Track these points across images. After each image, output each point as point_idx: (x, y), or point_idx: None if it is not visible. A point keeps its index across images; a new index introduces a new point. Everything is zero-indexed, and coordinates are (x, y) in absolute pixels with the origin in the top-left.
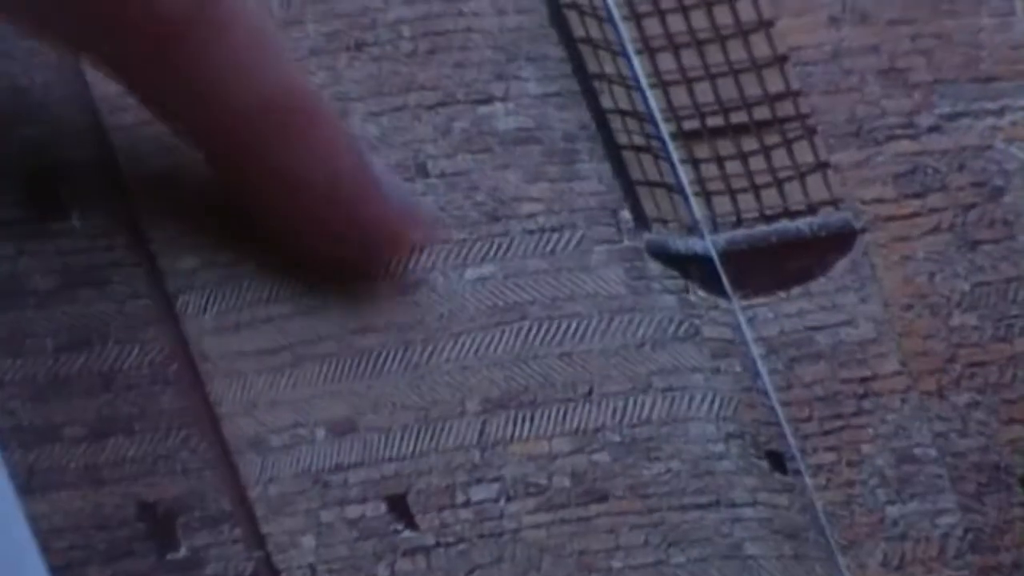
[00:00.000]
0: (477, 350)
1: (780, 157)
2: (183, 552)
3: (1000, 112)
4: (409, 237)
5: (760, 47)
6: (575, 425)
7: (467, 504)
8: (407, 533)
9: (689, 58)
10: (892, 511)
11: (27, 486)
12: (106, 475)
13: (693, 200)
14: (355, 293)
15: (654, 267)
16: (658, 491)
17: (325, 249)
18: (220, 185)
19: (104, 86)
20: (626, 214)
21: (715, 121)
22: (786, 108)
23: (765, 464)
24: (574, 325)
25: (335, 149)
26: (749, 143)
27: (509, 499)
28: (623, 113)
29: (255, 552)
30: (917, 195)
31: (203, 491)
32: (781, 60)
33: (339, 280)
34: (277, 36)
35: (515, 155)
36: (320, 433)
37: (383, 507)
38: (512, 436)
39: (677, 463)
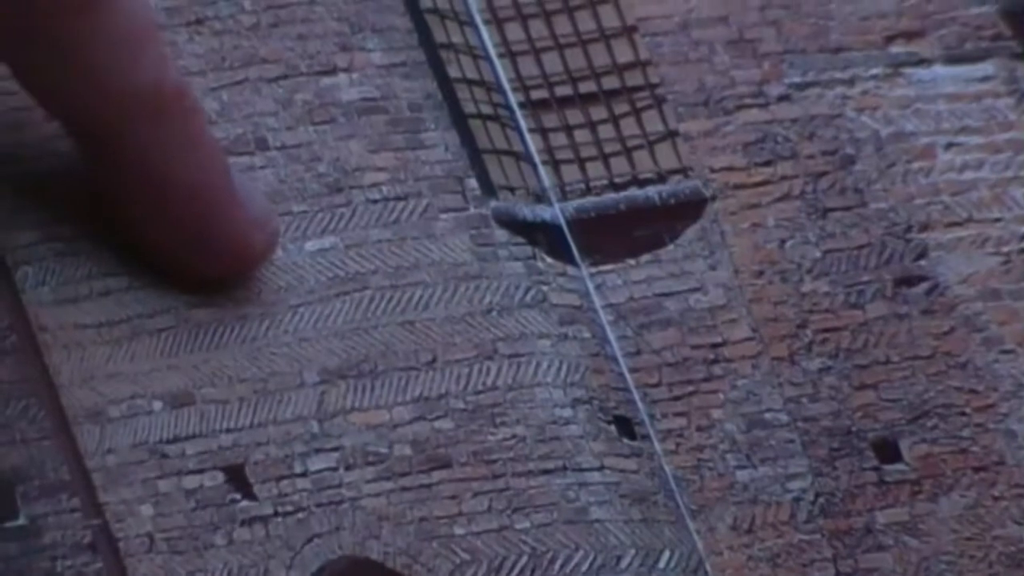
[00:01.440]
0: (316, 321)
1: (629, 126)
2: (21, 520)
3: (850, 82)
4: (258, 249)
5: (609, 18)
6: (417, 393)
7: (305, 474)
8: (245, 503)
9: (537, 28)
10: (742, 475)
11: None
12: None
13: (541, 168)
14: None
15: (501, 234)
16: (503, 457)
17: (177, 248)
18: (85, 170)
19: None
20: (472, 182)
21: (564, 91)
22: (635, 78)
23: (613, 429)
24: (418, 294)
25: (199, 148)
26: (598, 112)
27: (348, 468)
28: (470, 83)
29: (93, 521)
30: (767, 163)
31: (41, 460)
32: (630, 30)
33: (186, 277)
34: (156, 28)
35: (359, 126)
36: (158, 405)
37: (221, 477)
38: (352, 406)
39: (523, 428)
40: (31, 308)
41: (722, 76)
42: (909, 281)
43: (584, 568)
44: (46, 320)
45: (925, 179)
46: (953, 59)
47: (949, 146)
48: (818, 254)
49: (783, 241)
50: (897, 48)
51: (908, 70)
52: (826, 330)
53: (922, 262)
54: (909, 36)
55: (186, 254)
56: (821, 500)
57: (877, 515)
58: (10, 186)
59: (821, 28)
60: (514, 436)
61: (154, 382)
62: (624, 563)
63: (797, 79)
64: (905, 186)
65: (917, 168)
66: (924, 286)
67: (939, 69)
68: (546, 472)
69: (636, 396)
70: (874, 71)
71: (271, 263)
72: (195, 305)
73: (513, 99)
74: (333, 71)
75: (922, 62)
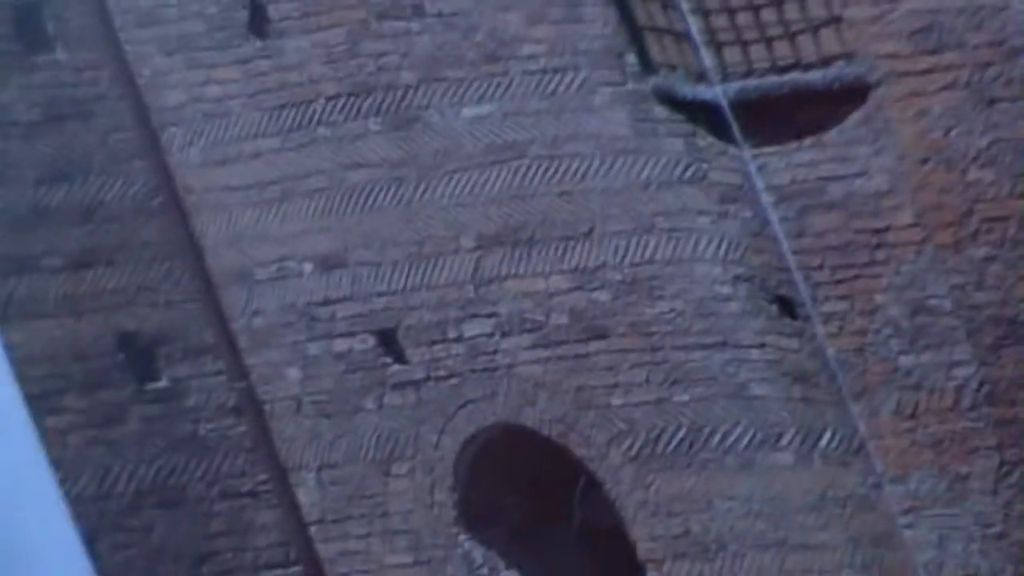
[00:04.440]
0: (473, 188)
1: (792, 10)
2: (163, 382)
3: None
4: None
5: None
6: (574, 263)
7: (459, 339)
8: (396, 367)
9: None
10: (905, 361)
11: (4, 315)
12: (86, 305)
13: (703, 48)
14: None
15: (660, 111)
16: (661, 330)
17: None
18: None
19: None
20: (632, 58)
21: None
22: None
23: (774, 308)
24: (575, 165)
25: None
26: None
27: (504, 335)
28: None
29: (237, 383)
30: (933, 52)
31: (185, 323)
32: None
33: None
34: None
35: None
36: (308, 267)
37: (372, 341)
38: (508, 273)
39: (681, 303)
40: (177, 170)
41: None
42: None
43: (743, 443)
44: (193, 182)
45: None
46: None
47: None
48: (984, 143)
49: (948, 129)
50: None
51: None
52: (992, 219)
53: None
54: None
55: None
56: (986, 388)
57: None
58: (157, 47)
59: None
60: (672, 310)
61: (304, 244)
62: (784, 441)
63: None
64: None
65: None
66: None
67: None
68: (704, 347)
69: (798, 277)
70: None
71: (427, 127)
72: (349, 167)
73: None
74: None
75: None
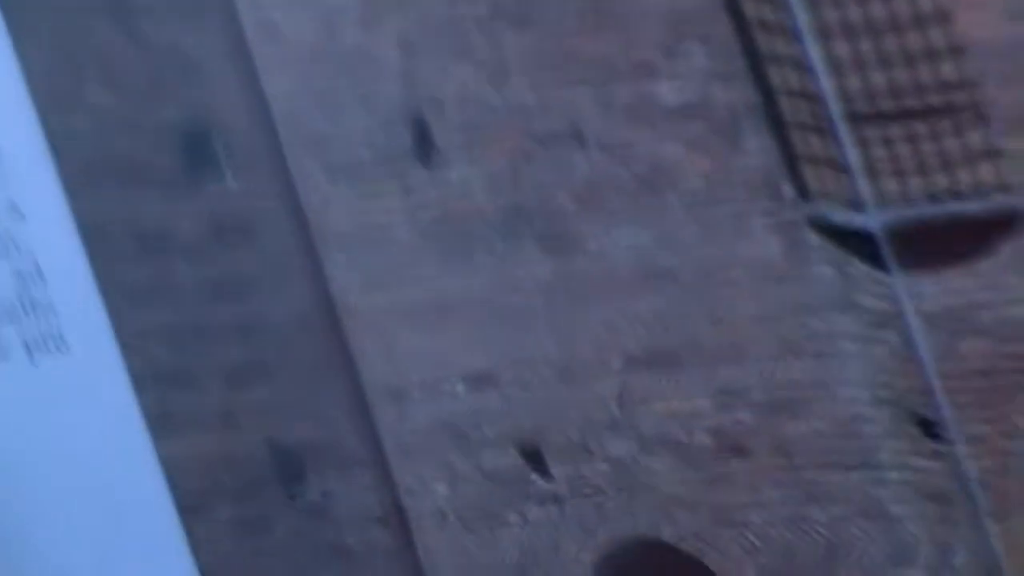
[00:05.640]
0: (624, 311)
1: (951, 142)
2: (313, 495)
3: None
4: None
5: (936, 37)
6: (720, 386)
7: (603, 458)
8: (540, 483)
9: (864, 44)
10: None
11: (162, 429)
12: (241, 419)
13: (859, 177)
14: None
15: (813, 239)
16: (802, 449)
17: None
18: None
19: (263, 48)
20: (788, 188)
21: (886, 105)
22: (960, 96)
23: (916, 430)
24: (726, 291)
25: None
26: (920, 128)
27: (648, 453)
28: (791, 93)
29: (386, 496)
30: None
31: (338, 436)
32: (957, 51)
33: None
34: None
35: (677, 128)
36: (460, 387)
37: (518, 457)
38: (653, 394)
39: (823, 424)
40: (339, 293)
41: None
42: None
43: (877, 561)
44: (353, 302)
45: None
46: None
47: None
48: None
49: None
50: None
51: None
52: None
53: None
54: None
55: None
56: None
57: None
58: (324, 174)
59: None
60: (813, 430)
61: (458, 363)
62: (917, 558)
63: None
64: None
65: None
66: None
67: None
68: (844, 467)
69: (942, 400)
70: None
71: (583, 252)
72: (505, 289)
73: (835, 110)
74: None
75: None
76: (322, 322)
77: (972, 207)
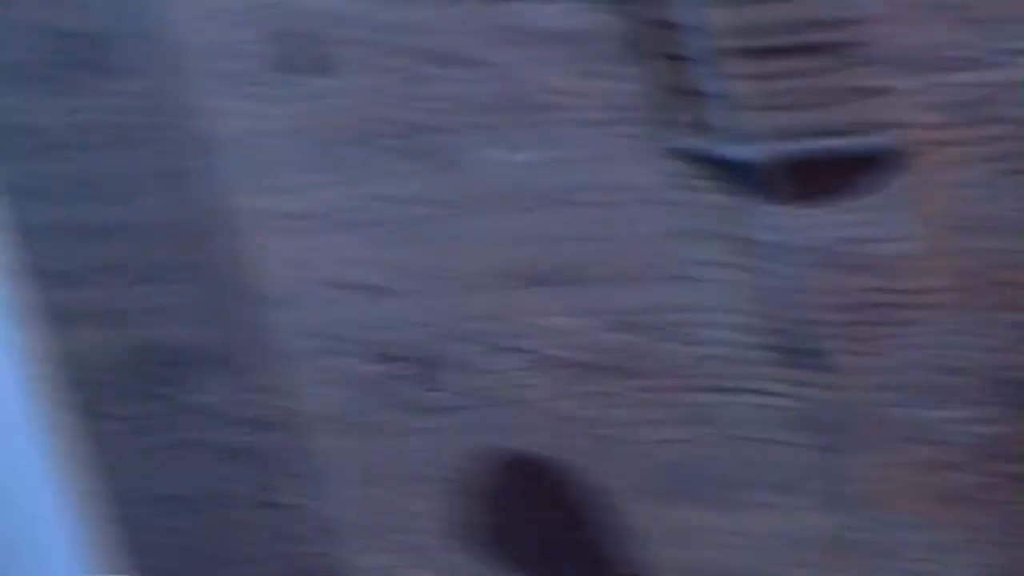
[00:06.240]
0: (505, 228)
1: (834, 79)
2: (198, 396)
3: None
4: None
5: None
6: (599, 305)
7: (490, 371)
8: (429, 393)
9: None
10: (925, 416)
11: (51, 326)
12: (128, 318)
13: (739, 111)
14: None
15: (691, 168)
16: (674, 371)
17: None
18: None
19: None
20: (665, 117)
21: (769, 41)
22: (844, 34)
23: (783, 359)
24: (601, 213)
25: None
26: (803, 64)
27: (526, 369)
28: (672, 25)
29: (266, 399)
30: (971, 124)
31: (221, 338)
32: None
33: None
34: None
35: (558, 53)
36: (351, 294)
37: (408, 367)
38: (533, 312)
39: (694, 347)
40: (223, 199)
41: (936, 37)
42: None
43: (747, 483)
44: (238, 209)
45: None
46: None
47: None
48: (1018, 215)
49: (981, 200)
50: None
51: None
52: (1020, 286)
53: None
54: None
55: None
56: (1007, 446)
57: None
58: (218, 81)
59: None
60: (686, 354)
61: (350, 272)
62: (791, 484)
63: (1015, 45)
64: None
65: None
66: None
67: None
68: (719, 391)
69: (816, 331)
70: None
71: (470, 169)
72: (383, 202)
73: (715, 43)
74: None
75: None
76: (206, 227)
77: (850, 144)
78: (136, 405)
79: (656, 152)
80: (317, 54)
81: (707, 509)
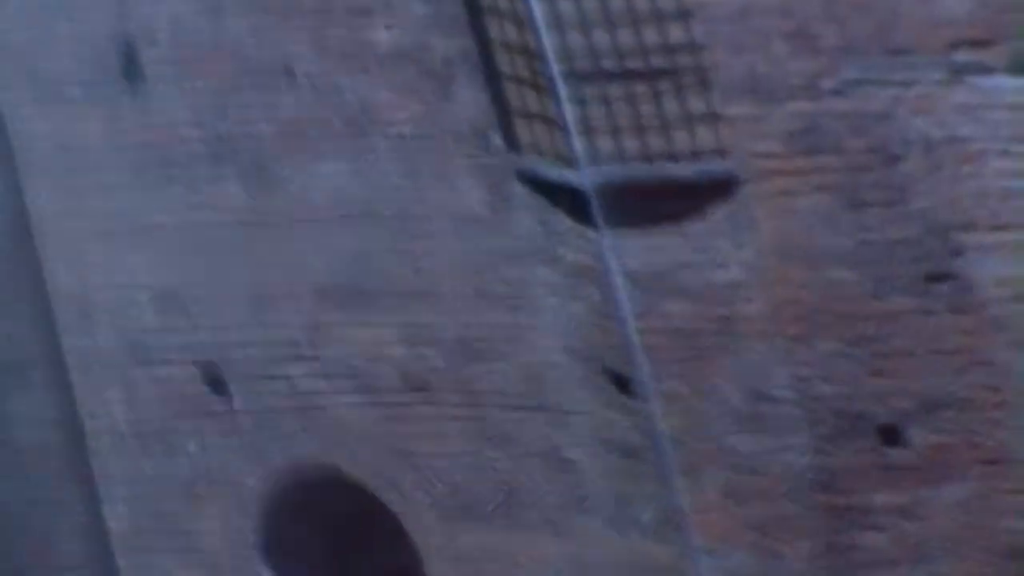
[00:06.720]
0: (318, 242)
1: (671, 105)
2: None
3: (907, 84)
4: None
5: (665, 1)
6: (410, 325)
7: (283, 378)
8: (216, 398)
9: (590, 5)
10: (738, 443)
11: None
12: None
13: (573, 134)
14: None
15: (519, 190)
16: (488, 392)
17: None
18: None
19: None
20: (497, 139)
21: (608, 65)
22: (685, 59)
23: (609, 385)
24: (425, 230)
25: None
26: (640, 89)
27: (332, 386)
28: (510, 47)
29: (66, 414)
30: (809, 153)
31: (24, 351)
32: (686, 14)
33: None
34: None
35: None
36: (144, 298)
37: (195, 372)
38: (342, 329)
39: (512, 369)
40: (35, 211)
41: (776, 66)
42: (941, 278)
43: (558, 505)
44: (49, 221)
45: (973, 183)
46: (1019, 69)
47: (1004, 153)
48: (850, 244)
49: (814, 228)
50: (961, 55)
51: (970, 77)
52: (846, 316)
53: (958, 261)
54: (975, 44)
55: None
56: (819, 476)
57: (876, 497)
58: (31, 93)
59: (884, 29)
60: (501, 375)
61: (145, 277)
62: (597, 508)
63: (853, 76)
64: (952, 188)
65: (966, 172)
66: (955, 284)
67: (1003, 79)
68: (525, 409)
69: (638, 357)
70: (935, 76)
71: (281, 181)
72: (196, 207)
73: (554, 68)
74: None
75: (986, 70)
76: (16, 238)
77: (685, 170)
78: None
79: (488, 173)
80: (132, 63)
81: (499, 530)
